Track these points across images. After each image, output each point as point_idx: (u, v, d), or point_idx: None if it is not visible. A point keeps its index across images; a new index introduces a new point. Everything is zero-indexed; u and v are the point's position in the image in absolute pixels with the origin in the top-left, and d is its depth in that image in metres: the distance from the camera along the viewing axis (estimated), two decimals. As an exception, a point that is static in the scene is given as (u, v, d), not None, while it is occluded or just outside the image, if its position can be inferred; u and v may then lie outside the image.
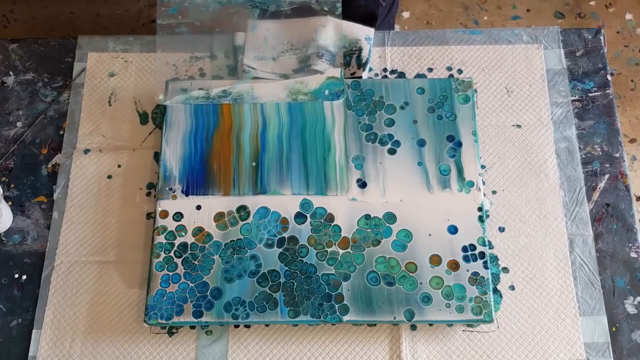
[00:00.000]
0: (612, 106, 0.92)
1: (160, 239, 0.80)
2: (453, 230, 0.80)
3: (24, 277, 0.83)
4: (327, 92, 0.88)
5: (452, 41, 0.96)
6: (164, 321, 0.76)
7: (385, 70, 0.94)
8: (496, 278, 0.82)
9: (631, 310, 0.81)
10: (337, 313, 0.76)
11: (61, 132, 0.91)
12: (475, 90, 0.92)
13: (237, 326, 0.80)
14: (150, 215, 0.85)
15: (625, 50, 1.64)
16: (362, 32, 0.93)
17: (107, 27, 1.66)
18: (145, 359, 0.78)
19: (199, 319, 0.76)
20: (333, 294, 0.77)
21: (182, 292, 0.77)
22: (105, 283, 0.82)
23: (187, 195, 0.82)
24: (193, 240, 0.80)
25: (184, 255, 0.79)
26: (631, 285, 0.82)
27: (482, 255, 0.78)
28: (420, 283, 0.77)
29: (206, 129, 0.86)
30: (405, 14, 1.67)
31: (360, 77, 0.91)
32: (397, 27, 1.60)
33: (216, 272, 0.78)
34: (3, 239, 0.85)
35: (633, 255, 0.83)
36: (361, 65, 0.92)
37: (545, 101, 0.91)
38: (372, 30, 0.94)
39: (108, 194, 0.87)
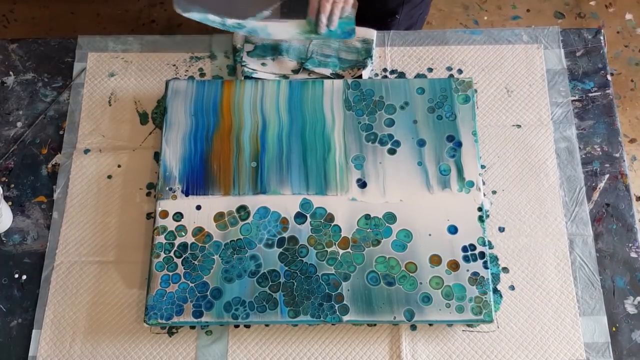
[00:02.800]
0: (612, 106, 0.92)
1: (160, 239, 0.80)
2: (453, 230, 0.80)
3: (24, 277, 0.83)
4: (339, 30, 0.90)
5: (452, 41, 0.96)
6: (164, 321, 0.76)
7: (385, 70, 0.94)
8: (496, 278, 0.81)
9: (631, 310, 0.81)
10: (337, 313, 0.76)
11: (61, 132, 0.91)
12: (475, 90, 0.92)
13: (237, 326, 0.80)
14: (150, 215, 0.85)
15: (625, 50, 1.64)
16: (364, 35, 0.93)
17: (107, 27, 1.66)
18: (145, 359, 0.78)
19: (199, 319, 0.76)
20: (333, 294, 0.77)
21: (182, 292, 0.77)
22: (105, 283, 0.82)
23: (187, 195, 0.82)
24: (193, 240, 0.80)
25: (184, 255, 0.79)
26: (631, 285, 0.82)
27: (482, 255, 0.78)
28: (420, 283, 0.77)
29: (206, 129, 0.86)
30: (405, 14, 1.67)
31: (360, 77, 0.91)
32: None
33: (216, 272, 0.78)
34: (3, 239, 0.85)
35: (633, 255, 0.83)
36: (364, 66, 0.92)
37: (545, 101, 0.91)
38: (375, 32, 0.94)
39: (108, 194, 0.87)
